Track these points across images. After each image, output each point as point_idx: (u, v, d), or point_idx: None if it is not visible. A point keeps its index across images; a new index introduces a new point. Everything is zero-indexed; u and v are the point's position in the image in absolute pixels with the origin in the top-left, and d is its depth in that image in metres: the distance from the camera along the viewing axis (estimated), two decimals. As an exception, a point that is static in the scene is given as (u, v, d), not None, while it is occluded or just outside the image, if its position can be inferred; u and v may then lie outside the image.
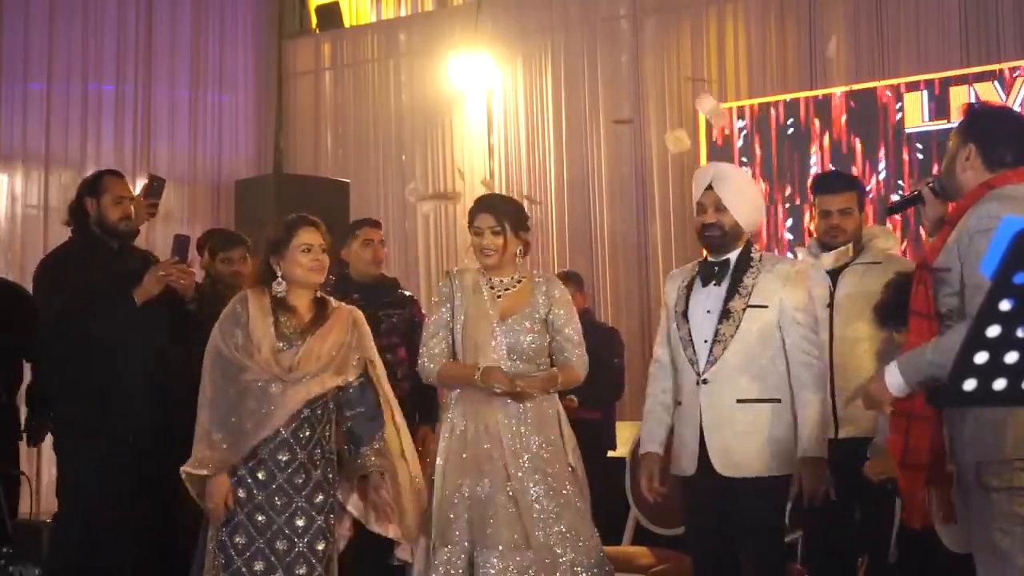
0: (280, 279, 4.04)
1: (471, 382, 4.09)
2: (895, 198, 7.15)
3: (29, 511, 5.96)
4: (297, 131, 10.36)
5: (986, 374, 1.71)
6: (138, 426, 4.85)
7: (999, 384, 1.71)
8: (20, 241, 8.72)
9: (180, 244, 4.92)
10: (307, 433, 4.01)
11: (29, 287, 6.24)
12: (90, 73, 9.14)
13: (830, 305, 4.51)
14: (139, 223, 5.12)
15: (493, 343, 4.10)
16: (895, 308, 3.91)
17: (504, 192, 9.07)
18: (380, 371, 4.16)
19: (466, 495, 4.05)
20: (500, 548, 3.95)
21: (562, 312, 4.20)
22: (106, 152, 9.16)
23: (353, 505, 4.13)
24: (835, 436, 4.37)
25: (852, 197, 4.58)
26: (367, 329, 4.18)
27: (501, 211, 4.17)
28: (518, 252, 4.20)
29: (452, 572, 3.98)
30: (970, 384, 1.71)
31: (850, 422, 4.40)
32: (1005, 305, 1.67)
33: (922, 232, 4.58)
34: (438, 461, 4.15)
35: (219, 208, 9.66)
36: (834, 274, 4.58)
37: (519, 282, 4.23)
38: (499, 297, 4.19)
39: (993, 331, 1.68)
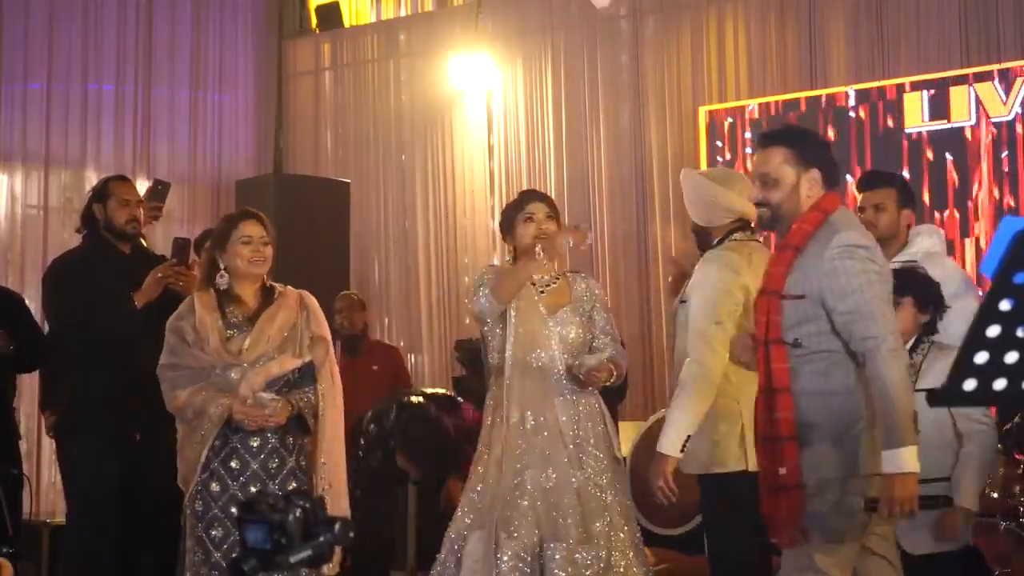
0: (223, 271, 4.11)
1: (529, 268, 4.13)
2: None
3: (29, 511, 5.96)
4: (297, 131, 10.34)
5: (986, 374, 1.71)
6: (143, 426, 4.91)
7: (999, 384, 1.71)
8: (20, 241, 8.71)
9: (179, 247, 5.04)
10: None
11: (29, 287, 6.25)
12: (90, 73, 9.12)
13: None
14: (143, 225, 5.22)
15: (547, 332, 4.14)
16: None
17: (504, 192, 9.09)
18: (330, 351, 4.23)
19: (529, 487, 4.01)
20: (570, 541, 3.95)
21: (601, 308, 4.30)
22: (106, 152, 9.15)
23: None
24: None
25: (888, 194, 4.62)
26: (319, 311, 4.25)
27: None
28: None
29: (520, 566, 3.92)
30: (970, 384, 1.71)
31: None
32: (1005, 305, 1.67)
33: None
34: (488, 452, 4.12)
35: (219, 208, 9.62)
36: None
37: (556, 279, 4.29)
38: (542, 293, 4.24)
39: (993, 331, 1.68)
